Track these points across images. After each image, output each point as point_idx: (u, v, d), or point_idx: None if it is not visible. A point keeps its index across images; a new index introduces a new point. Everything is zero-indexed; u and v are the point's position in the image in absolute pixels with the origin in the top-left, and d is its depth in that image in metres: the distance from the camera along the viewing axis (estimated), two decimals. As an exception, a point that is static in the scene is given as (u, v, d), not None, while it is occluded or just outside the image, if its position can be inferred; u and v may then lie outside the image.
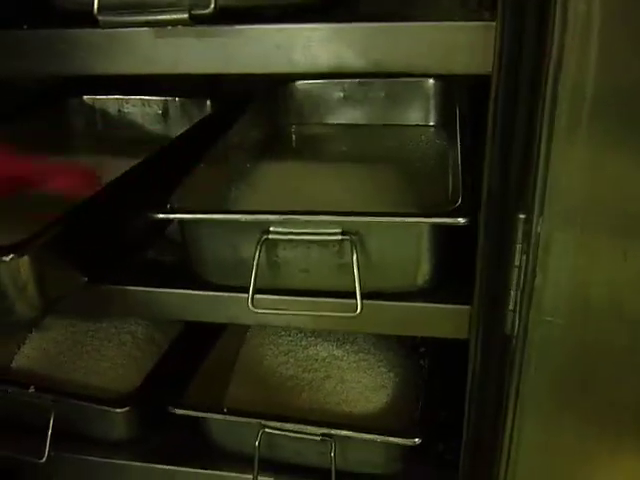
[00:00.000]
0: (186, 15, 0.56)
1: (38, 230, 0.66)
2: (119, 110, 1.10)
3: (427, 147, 1.01)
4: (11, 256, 0.63)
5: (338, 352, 0.99)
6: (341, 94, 1.06)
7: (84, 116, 1.12)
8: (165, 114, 1.08)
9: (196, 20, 0.57)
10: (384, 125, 1.06)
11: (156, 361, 0.96)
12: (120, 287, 0.78)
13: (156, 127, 1.09)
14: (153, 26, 0.59)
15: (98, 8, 0.56)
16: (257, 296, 0.70)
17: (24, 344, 1.07)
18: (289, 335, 1.02)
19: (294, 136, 1.06)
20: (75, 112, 1.12)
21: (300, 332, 1.03)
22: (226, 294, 0.75)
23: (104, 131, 1.12)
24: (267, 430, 0.82)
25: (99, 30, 0.60)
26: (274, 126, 1.04)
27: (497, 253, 0.62)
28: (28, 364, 1.03)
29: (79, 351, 1.03)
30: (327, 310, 0.72)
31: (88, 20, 0.59)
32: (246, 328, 1.04)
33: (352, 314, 0.69)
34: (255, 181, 0.90)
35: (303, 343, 1.01)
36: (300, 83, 1.06)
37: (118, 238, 0.80)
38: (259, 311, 0.70)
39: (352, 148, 1.02)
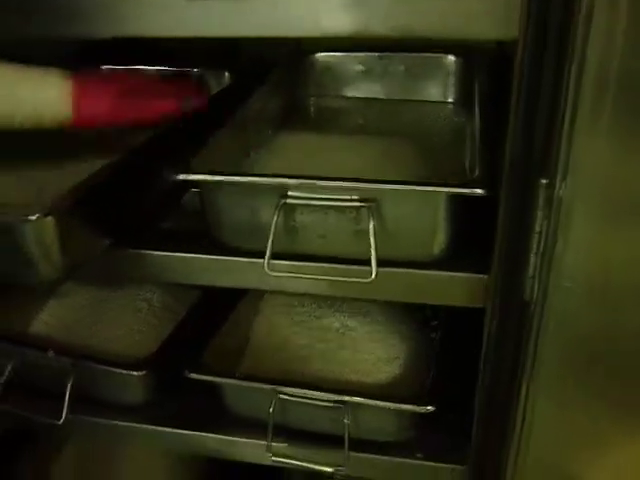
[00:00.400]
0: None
1: (63, 191, 0.67)
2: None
3: (445, 123, 1.00)
4: (37, 215, 0.64)
5: (351, 323, 1.00)
6: (360, 67, 1.06)
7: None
8: None
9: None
10: (403, 100, 1.06)
11: (173, 327, 0.97)
12: (139, 251, 0.79)
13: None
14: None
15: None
16: (274, 261, 0.72)
17: (42, 310, 1.09)
18: (302, 305, 1.03)
19: (312, 108, 1.06)
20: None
21: (313, 302, 1.04)
22: (243, 259, 0.76)
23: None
24: (281, 396, 0.83)
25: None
26: (293, 97, 1.05)
27: (517, 220, 0.62)
28: (45, 330, 1.05)
29: (95, 318, 1.05)
30: (342, 276, 0.73)
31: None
32: (260, 297, 1.05)
33: (367, 280, 0.70)
34: (273, 150, 0.91)
35: (316, 314, 1.02)
36: (320, 55, 1.06)
37: (139, 203, 0.81)
38: (275, 274, 0.71)
39: (370, 122, 1.02)
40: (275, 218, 0.71)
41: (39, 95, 0.75)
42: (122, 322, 1.03)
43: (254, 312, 1.03)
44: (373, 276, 0.69)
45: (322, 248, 0.74)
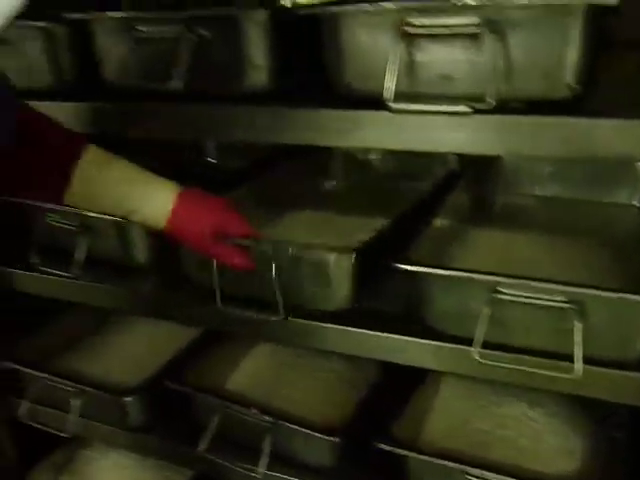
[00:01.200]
0: (468, 108, 0.67)
1: (362, 241, 0.88)
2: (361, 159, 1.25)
3: (632, 226, 1.04)
4: (354, 254, 0.83)
5: (530, 413, 1.03)
6: (548, 168, 1.12)
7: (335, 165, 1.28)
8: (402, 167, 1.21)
9: (476, 112, 0.67)
10: (589, 201, 1.10)
11: (359, 399, 1.05)
12: (349, 329, 0.88)
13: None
14: (435, 114, 0.70)
15: (394, 97, 0.68)
16: (482, 350, 0.78)
17: (235, 370, 1.20)
18: (481, 391, 1.08)
19: (501, 205, 1.13)
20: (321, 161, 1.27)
21: (491, 389, 1.08)
22: (452, 345, 0.82)
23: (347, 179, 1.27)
24: (469, 478, 0.87)
25: (384, 113, 0.71)
26: (485, 195, 1.12)
27: None
28: (237, 388, 1.16)
29: (285, 381, 1.16)
30: (547, 370, 0.77)
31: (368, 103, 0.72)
32: (441, 379, 1.11)
33: (572, 376, 0.74)
34: (469, 244, 0.98)
35: (494, 399, 1.07)
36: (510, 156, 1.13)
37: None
38: (485, 362, 0.77)
39: (556, 221, 1.07)
40: (485, 310, 0.78)
41: (145, 198, 0.84)
42: (307, 388, 1.13)
43: (435, 392, 1.09)
44: (578, 372, 0.74)
45: (526, 341, 0.80)
